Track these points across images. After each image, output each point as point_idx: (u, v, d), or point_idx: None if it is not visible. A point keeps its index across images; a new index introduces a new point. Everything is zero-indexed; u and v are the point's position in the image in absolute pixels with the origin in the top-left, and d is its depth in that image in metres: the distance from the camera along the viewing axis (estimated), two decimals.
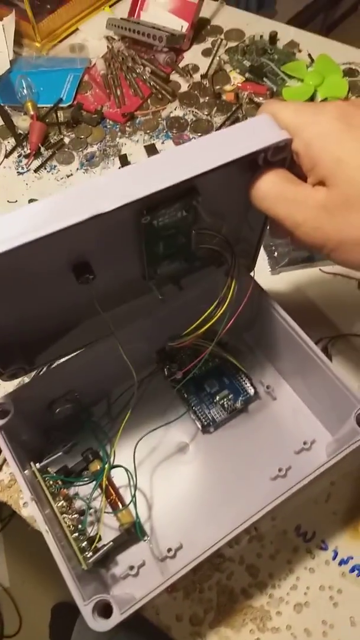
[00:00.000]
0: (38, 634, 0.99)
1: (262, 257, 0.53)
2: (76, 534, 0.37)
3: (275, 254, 0.52)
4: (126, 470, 0.39)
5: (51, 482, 0.39)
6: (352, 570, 0.39)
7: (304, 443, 0.42)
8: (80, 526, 0.38)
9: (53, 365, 0.40)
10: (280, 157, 0.31)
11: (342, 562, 0.39)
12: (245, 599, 0.38)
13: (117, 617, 0.31)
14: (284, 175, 0.31)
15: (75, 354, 0.40)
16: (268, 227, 0.38)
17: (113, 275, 0.38)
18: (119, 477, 0.41)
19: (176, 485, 0.42)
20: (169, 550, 0.39)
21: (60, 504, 0.38)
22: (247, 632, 0.37)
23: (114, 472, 0.41)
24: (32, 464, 0.38)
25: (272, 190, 0.31)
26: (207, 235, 0.40)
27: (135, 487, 0.39)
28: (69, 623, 0.90)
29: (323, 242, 0.29)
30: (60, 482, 0.39)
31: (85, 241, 0.33)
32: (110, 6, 0.77)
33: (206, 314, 0.38)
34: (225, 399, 0.44)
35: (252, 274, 0.43)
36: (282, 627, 0.37)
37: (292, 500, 0.40)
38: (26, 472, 0.36)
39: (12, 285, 0.33)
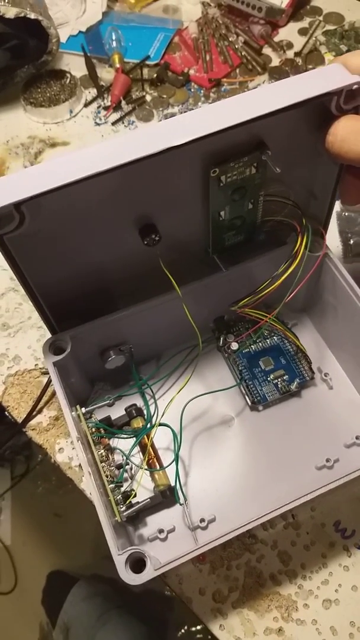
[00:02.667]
0: (31, 596, 0.99)
1: (336, 244, 0.50)
2: (112, 485, 0.36)
3: (351, 241, 0.49)
4: (172, 430, 0.38)
5: (93, 429, 0.38)
6: None
7: (357, 437, 0.40)
8: (116, 480, 0.37)
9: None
10: (354, 104, 0.30)
11: None
12: (273, 584, 0.37)
13: (150, 573, 0.29)
14: None
15: (136, 306, 0.39)
16: (339, 191, 0.36)
17: (177, 244, 0.36)
18: (158, 439, 0.40)
19: (217, 456, 0.40)
20: (202, 520, 0.37)
21: (100, 452, 0.37)
22: (270, 619, 0.36)
23: (155, 433, 0.39)
24: (77, 407, 0.37)
25: (352, 129, 0.30)
26: (275, 204, 0.38)
27: (179, 447, 0.38)
28: (62, 592, 0.90)
29: None
30: (102, 431, 0.38)
31: (152, 194, 0.33)
32: None
33: (276, 276, 0.37)
34: (279, 379, 0.42)
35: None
36: (307, 621, 0.36)
37: (336, 494, 0.38)
38: (72, 414, 0.35)
39: (79, 231, 0.33)
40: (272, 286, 0.37)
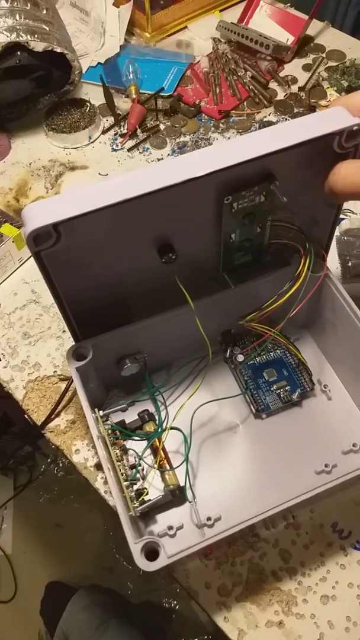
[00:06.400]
0: (30, 606, 1.01)
1: (336, 265, 0.54)
2: (127, 483, 0.38)
3: (350, 263, 0.53)
4: (183, 433, 0.41)
5: (109, 431, 0.41)
6: None
7: (353, 445, 0.43)
8: (130, 478, 0.39)
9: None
10: (354, 142, 0.34)
11: None
12: (274, 580, 0.39)
13: (163, 560, 0.32)
14: None
15: (152, 318, 0.42)
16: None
17: (191, 262, 0.40)
18: (168, 442, 0.43)
19: (223, 460, 0.43)
20: (209, 519, 0.40)
21: (116, 452, 0.40)
22: (271, 612, 0.38)
23: (165, 436, 0.42)
24: (96, 410, 0.40)
25: (354, 168, 0.33)
26: (281, 229, 0.42)
27: (189, 449, 0.41)
28: (60, 603, 0.92)
29: None
30: (117, 433, 0.41)
31: (171, 218, 0.37)
32: (220, 10, 0.80)
33: (281, 293, 0.40)
34: (282, 390, 0.45)
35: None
36: (306, 615, 0.38)
37: (333, 497, 0.41)
38: (93, 415, 0.38)
39: (104, 250, 0.36)
40: (277, 303, 0.41)
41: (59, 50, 0.59)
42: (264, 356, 0.47)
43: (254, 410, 0.45)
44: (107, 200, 0.30)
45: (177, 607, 1.00)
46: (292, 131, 0.33)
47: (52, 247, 0.31)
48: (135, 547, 0.32)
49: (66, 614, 0.90)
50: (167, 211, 0.36)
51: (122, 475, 0.38)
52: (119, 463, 0.39)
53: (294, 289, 0.40)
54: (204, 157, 0.33)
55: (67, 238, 0.32)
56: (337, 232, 0.55)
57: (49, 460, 1.14)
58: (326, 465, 0.42)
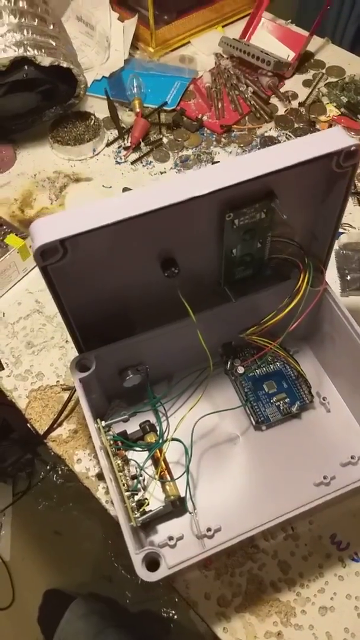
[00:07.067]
0: (27, 613, 1.00)
1: (334, 279, 0.55)
2: (128, 493, 0.39)
3: (348, 277, 0.54)
4: (184, 445, 0.41)
5: (111, 442, 0.41)
6: None
7: (352, 457, 0.43)
8: (132, 488, 0.40)
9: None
10: (352, 162, 0.35)
11: None
12: (273, 591, 0.40)
13: (164, 571, 0.33)
14: None
15: (154, 330, 0.43)
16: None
17: (193, 276, 0.41)
18: (169, 453, 0.44)
19: (223, 471, 0.44)
20: (209, 529, 0.40)
21: (118, 462, 0.40)
22: (270, 623, 0.39)
23: (167, 447, 0.43)
24: (98, 420, 0.41)
25: None
26: (280, 244, 0.43)
27: (190, 460, 0.41)
28: (58, 610, 0.91)
29: None
30: (119, 443, 0.42)
31: (174, 233, 0.37)
32: (223, 26, 0.82)
33: (281, 308, 0.41)
34: (282, 402, 0.46)
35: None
36: (304, 626, 0.39)
37: (332, 509, 0.42)
38: (95, 425, 0.39)
39: (108, 264, 0.37)
40: (278, 317, 0.42)
41: (65, 65, 0.60)
42: (264, 368, 0.48)
43: (254, 422, 0.46)
44: (112, 218, 0.31)
45: (175, 616, 1.00)
46: (292, 151, 0.34)
47: (58, 261, 0.32)
48: (137, 558, 0.33)
49: (64, 622, 0.90)
50: (171, 227, 0.37)
51: (124, 485, 0.39)
52: (121, 473, 0.40)
53: (293, 304, 0.41)
54: (207, 176, 0.34)
55: (73, 253, 0.33)
56: (336, 246, 0.56)
57: (48, 467, 1.14)
58: (325, 477, 0.42)
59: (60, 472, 1.14)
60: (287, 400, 0.46)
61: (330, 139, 0.35)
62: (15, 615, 1.04)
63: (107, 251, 0.36)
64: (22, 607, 1.04)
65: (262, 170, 0.33)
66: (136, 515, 0.38)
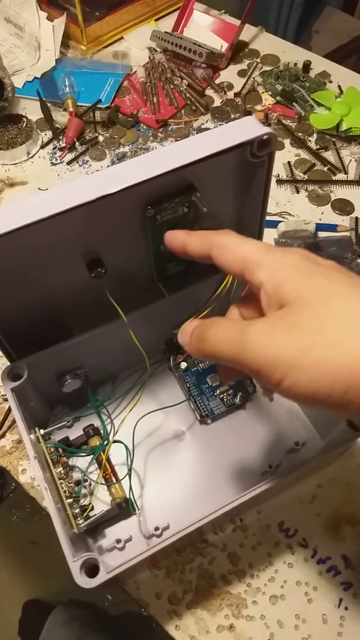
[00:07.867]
0: (7, 627, 0.99)
1: None
2: (70, 500, 0.38)
3: None
4: (125, 445, 0.41)
5: (52, 449, 0.41)
6: (328, 570, 0.40)
7: (296, 444, 0.44)
8: (74, 495, 0.39)
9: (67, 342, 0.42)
10: (267, 151, 0.35)
11: (320, 562, 0.41)
12: (224, 584, 0.40)
13: (103, 576, 0.32)
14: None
15: (88, 332, 0.42)
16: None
17: (124, 274, 0.40)
18: (115, 455, 0.43)
19: (169, 468, 0.44)
20: (157, 528, 0.40)
21: (59, 470, 0.39)
22: (222, 617, 0.39)
23: (111, 449, 0.42)
24: (36, 429, 0.40)
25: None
26: None
27: (132, 461, 0.41)
28: (39, 621, 0.90)
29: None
30: (60, 451, 0.41)
31: (96, 232, 0.37)
32: (155, 20, 0.81)
33: (209, 299, 0.41)
34: (225, 394, 0.46)
35: None
36: (256, 616, 0.39)
37: (279, 497, 0.42)
38: (31, 436, 0.38)
39: (30, 267, 0.36)
40: (208, 308, 0.41)
41: None
42: (207, 362, 0.48)
43: (198, 417, 0.45)
44: (24, 220, 0.30)
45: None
46: (205, 143, 0.34)
47: None
48: (74, 565, 0.32)
49: (44, 631, 0.89)
50: (91, 226, 0.36)
51: (65, 492, 0.38)
52: (62, 481, 0.39)
53: (219, 291, 0.41)
54: (120, 172, 0.33)
55: None
56: (275, 235, 0.56)
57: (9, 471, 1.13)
58: (270, 467, 0.42)
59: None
60: (230, 392, 0.46)
61: (242, 129, 0.34)
62: None
63: (28, 254, 0.35)
64: (2, 621, 1.02)
65: (176, 163, 0.33)
66: (79, 522, 0.38)
